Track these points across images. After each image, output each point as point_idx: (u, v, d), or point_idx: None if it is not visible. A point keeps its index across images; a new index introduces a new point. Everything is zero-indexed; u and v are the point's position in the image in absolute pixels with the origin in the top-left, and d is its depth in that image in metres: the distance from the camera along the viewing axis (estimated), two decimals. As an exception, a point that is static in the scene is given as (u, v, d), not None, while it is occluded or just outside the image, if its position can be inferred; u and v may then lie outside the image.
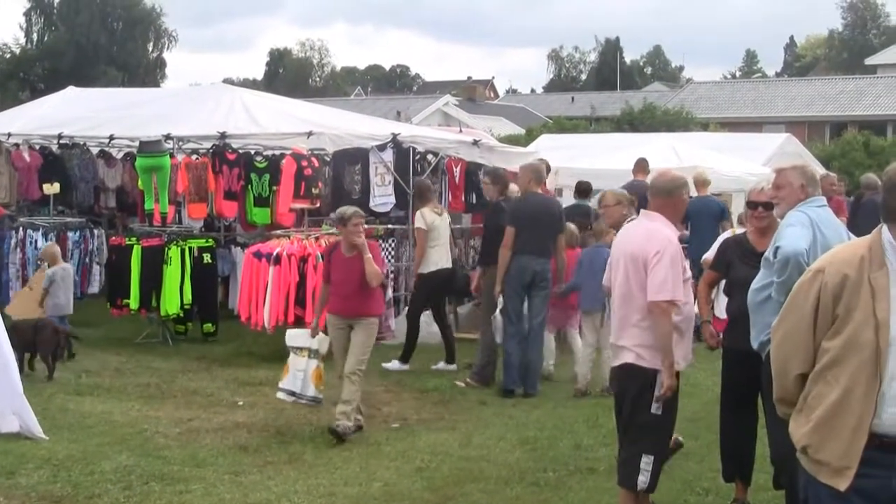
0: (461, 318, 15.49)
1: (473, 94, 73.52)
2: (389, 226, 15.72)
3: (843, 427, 4.14)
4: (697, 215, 16.01)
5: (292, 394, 10.22)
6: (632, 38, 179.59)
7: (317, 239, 13.57)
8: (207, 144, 15.55)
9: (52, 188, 16.15)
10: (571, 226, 13.14)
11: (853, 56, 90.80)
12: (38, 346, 12.00)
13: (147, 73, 74.34)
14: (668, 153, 21.08)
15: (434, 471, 8.84)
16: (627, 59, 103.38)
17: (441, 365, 13.10)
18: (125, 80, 64.95)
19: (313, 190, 14.37)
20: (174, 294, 14.14)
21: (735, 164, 22.17)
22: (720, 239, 9.23)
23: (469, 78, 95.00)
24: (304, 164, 14.41)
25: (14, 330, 11.09)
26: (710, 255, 8.83)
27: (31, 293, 13.90)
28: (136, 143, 15.24)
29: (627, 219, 8.35)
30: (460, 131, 22.47)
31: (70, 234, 15.78)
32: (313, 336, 10.12)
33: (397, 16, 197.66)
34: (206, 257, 14.61)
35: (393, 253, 15.71)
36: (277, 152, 15.26)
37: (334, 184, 15.23)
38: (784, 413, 4.47)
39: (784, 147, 27.62)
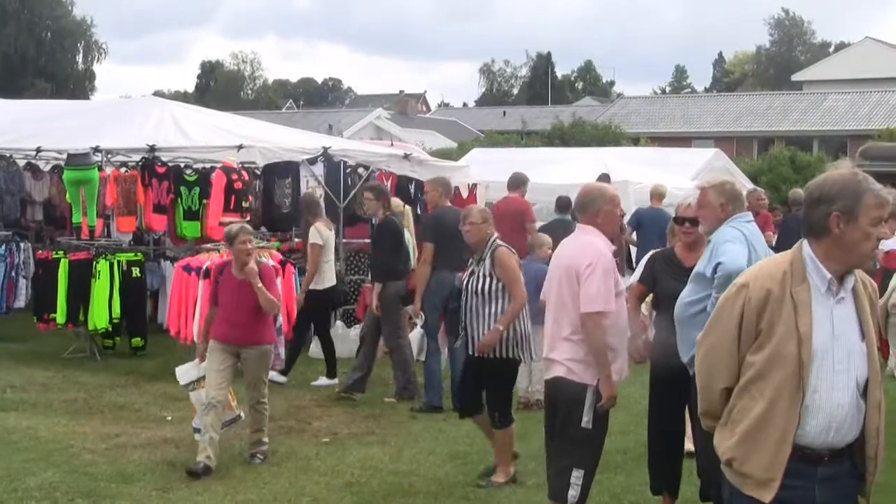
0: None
1: (405, 107, 73.68)
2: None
3: (768, 440, 4.22)
4: (648, 226, 16.27)
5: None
6: (563, 52, 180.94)
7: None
8: (136, 157, 15.42)
9: (-23, 201, 15.91)
10: (544, 236, 13.20)
11: (780, 72, 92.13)
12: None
13: (76, 84, 73.38)
14: (598, 167, 21.20)
15: (364, 486, 8.82)
16: (559, 74, 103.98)
17: (322, 381, 12.89)
18: (54, 92, 64.05)
19: (243, 203, 14.30)
20: (102, 308, 13.99)
21: (664, 178, 22.37)
22: None
23: (401, 91, 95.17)
24: (235, 177, 14.35)
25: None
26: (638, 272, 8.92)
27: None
28: (64, 156, 15.07)
29: (491, 237, 8.74)
30: (391, 145, 22.52)
31: (-5, 247, 15.55)
32: (202, 361, 9.42)
33: (328, 29, 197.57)
34: (135, 271, 14.47)
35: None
36: (207, 165, 15.17)
37: (265, 197, 15.18)
38: (708, 426, 4.53)
39: (712, 162, 27.91)
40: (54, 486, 8.48)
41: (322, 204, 13.86)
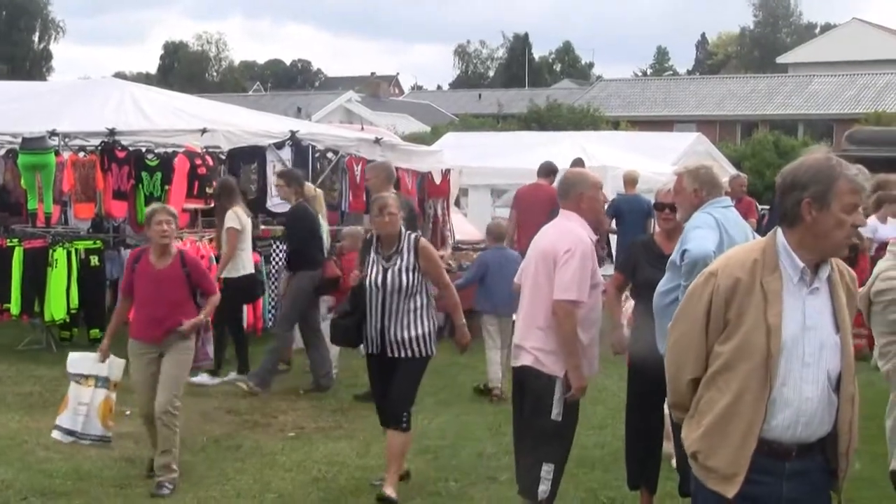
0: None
1: (377, 90, 73.51)
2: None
3: (733, 433, 4.24)
4: (625, 213, 16.33)
5: (70, 433, 8.84)
6: (540, 34, 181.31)
7: (211, 241, 13.44)
8: (95, 141, 15.31)
9: (-72, 186, 15.79)
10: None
11: (765, 54, 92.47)
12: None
13: (33, 65, 73.08)
14: (576, 152, 21.20)
15: (331, 481, 8.81)
16: (536, 56, 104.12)
17: (232, 375, 12.61)
18: (9, 73, 63.71)
19: (207, 189, 14.23)
20: (59, 298, 13.91)
21: (644, 163, 22.43)
22: None
23: (373, 74, 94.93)
24: (198, 162, 14.28)
25: None
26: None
27: None
28: (19, 140, 14.96)
29: (402, 229, 8.56)
30: (362, 129, 22.47)
31: (-53, 235, 15.45)
32: (102, 360, 8.77)
33: (296, 9, 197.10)
34: (94, 260, 14.39)
35: (291, 255, 15.63)
36: (170, 150, 15.08)
37: (229, 183, 15.08)
38: (678, 418, 4.56)
39: (694, 146, 28.04)
40: (7, 485, 8.44)
41: (238, 190, 13.29)
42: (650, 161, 22.94)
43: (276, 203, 14.90)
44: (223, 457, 9.47)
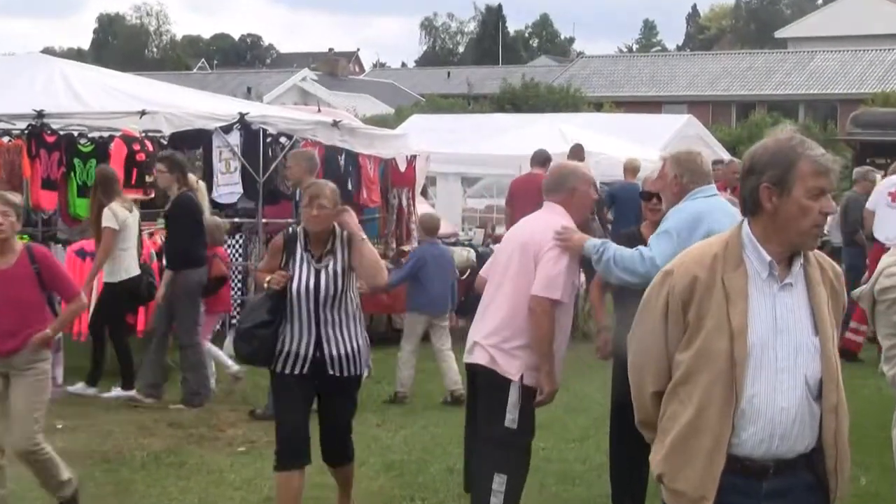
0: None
1: (335, 68, 73.43)
2: (236, 219, 15.61)
3: (698, 451, 4.14)
4: (623, 204, 16.44)
5: None
6: (515, 5, 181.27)
7: (151, 235, 13.41)
8: (22, 125, 15.22)
9: None
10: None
11: (762, 28, 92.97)
12: None
13: (-48, 40, 72.55)
14: (554, 136, 21.29)
15: (286, 501, 8.79)
16: (511, 30, 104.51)
17: (115, 392, 12.37)
18: (-74, 49, 63.30)
19: (147, 178, 14.18)
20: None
21: (630, 148, 22.49)
22: None
23: (330, 50, 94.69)
24: (136, 147, 14.23)
25: None
26: None
27: None
28: (-63, 123, 14.86)
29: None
30: (319, 111, 22.44)
31: None
32: None
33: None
34: (21, 256, 14.29)
35: (241, 251, 15.60)
36: (105, 134, 15.01)
37: (172, 171, 15.03)
38: (649, 438, 4.47)
39: (685, 130, 28.21)
40: None
41: (117, 179, 12.94)
42: (636, 146, 23.04)
43: (224, 193, 14.87)
44: (165, 474, 9.44)
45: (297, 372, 7.53)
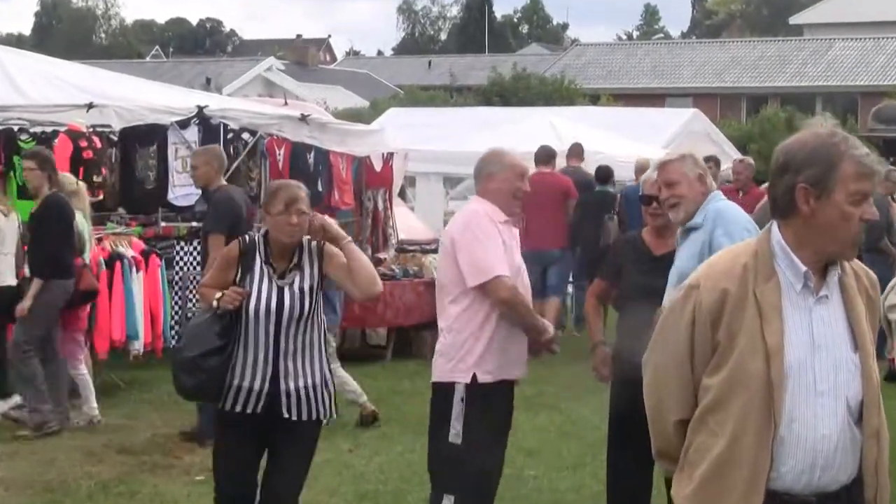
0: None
1: (304, 56, 73.35)
2: (193, 224, 15.58)
3: (733, 486, 4.06)
4: (632, 204, 16.51)
5: None
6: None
7: (100, 241, 13.37)
8: (-45, 119, 15.21)
9: None
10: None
11: (775, 14, 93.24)
12: None
13: None
14: (545, 132, 21.29)
15: (248, 535, 8.77)
16: (498, 15, 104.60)
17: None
18: None
19: (95, 178, 14.15)
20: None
21: (630, 146, 22.55)
22: None
23: (298, 37, 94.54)
24: (83, 144, 14.19)
25: None
26: None
27: None
28: None
29: None
30: (285, 104, 22.42)
31: None
32: None
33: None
34: (-45, 264, 14.26)
35: (199, 259, 15.56)
36: (48, 129, 14.98)
37: (123, 170, 15.01)
38: (667, 470, 4.44)
39: (690, 125, 28.23)
40: None
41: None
42: (636, 143, 23.09)
43: (180, 195, 14.84)
44: (114, 505, 9.43)
45: (248, 411, 6.97)
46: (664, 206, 7.41)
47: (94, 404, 12.04)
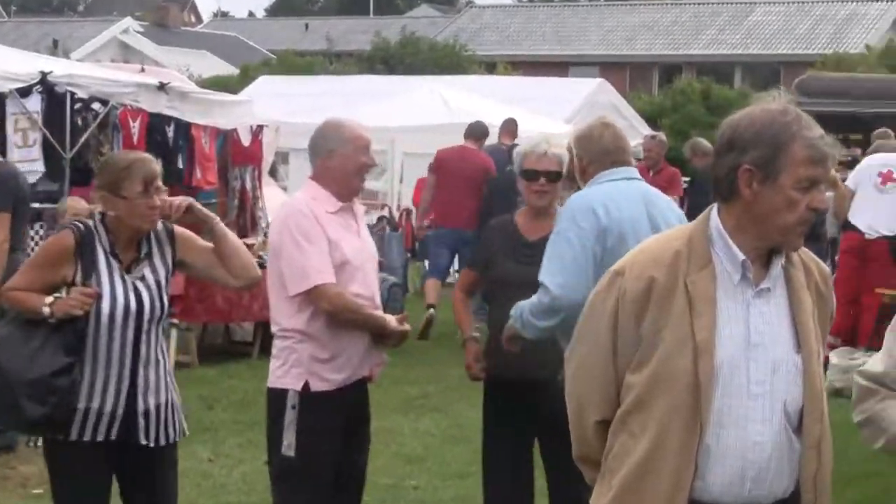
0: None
1: (165, 17, 72.81)
2: (36, 205, 15.40)
3: (653, 495, 4.07)
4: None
5: None
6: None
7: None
8: None
9: None
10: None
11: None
12: None
13: None
14: (435, 104, 21.37)
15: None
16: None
17: None
18: None
19: (-80, 151, 13.99)
20: None
21: (529, 120, 22.59)
22: None
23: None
24: None
25: None
26: None
27: None
28: None
29: None
30: (143, 70, 22.25)
31: None
32: None
33: None
34: None
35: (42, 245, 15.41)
36: None
37: (-47, 144, 14.85)
38: (590, 478, 4.40)
39: (596, 97, 28.48)
40: None
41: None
42: (536, 118, 23.15)
43: (23, 171, 14.66)
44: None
45: (100, 439, 6.33)
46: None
47: None
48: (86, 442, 6.29)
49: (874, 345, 7.64)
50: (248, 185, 17.92)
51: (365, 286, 7.16)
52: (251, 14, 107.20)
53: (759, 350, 4.07)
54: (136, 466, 6.49)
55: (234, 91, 25.32)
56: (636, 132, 24.16)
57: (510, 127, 18.48)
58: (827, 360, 13.39)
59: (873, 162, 14.76)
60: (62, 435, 6.30)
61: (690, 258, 4.10)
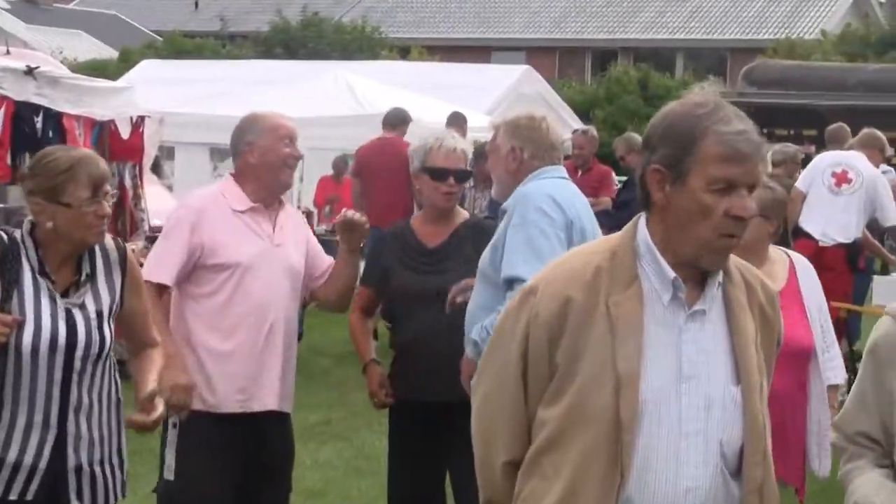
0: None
1: (35, -8, 72.46)
2: None
3: None
4: None
5: None
6: None
7: None
8: None
9: None
10: None
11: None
12: None
13: None
14: (340, 93, 21.34)
15: None
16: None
17: None
18: None
19: None
20: None
21: (446, 111, 22.58)
22: None
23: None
24: None
25: None
26: None
27: None
28: None
29: None
30: (7, 52, 22.08)
31: None
32: None
33: None
34: None
35: None
36: None
37: None
38: None
39: (521, 86, 28.58)
40: None
41: None
42: (454, 107, 23.08)
43: None
44: None
45: (13, 497, 5.83)
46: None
47: None
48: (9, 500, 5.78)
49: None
50: (128, 184, 17.79)
51: (251, 295, 7.10)
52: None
53: (692, 382, 3.96)
54: None
55: (113, 77, 25.20)
56: (566, 125, 24.22)
57: (457, 120, 18.52)
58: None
59: (826, 161, 14.71)
60: None
61: (614, 275, 3.98)
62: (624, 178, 18.88)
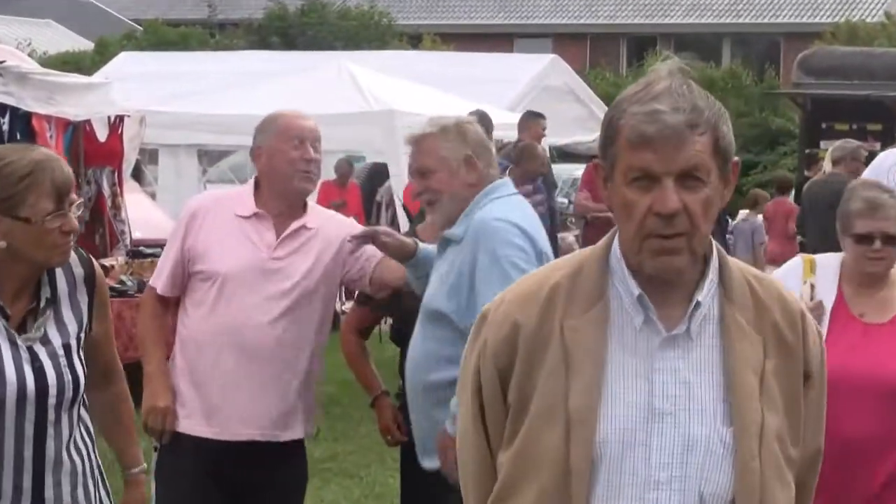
0: None
1: (2, -21, 72.75)
2: None
3: None
4: None
5: None
6: None
7: None
8: None
9: None
10: None
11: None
12: None
13: None
14: (344, 86, 21.35)
15: None
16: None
17: None
18: None
19: None
20: None
21: (462, 107, 22.61)
22: None
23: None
24: None
25: None
26: None
27: None
28: None
29: None
30: (-30, 45, 22.19)
31: None
32: None
33: None
34: None
35: None
36: None
37: None
38: None
39: (547, 78, 28.50)
40: None
41: None
42: (470, 104, 23.09)
43: None
44: None
45: None
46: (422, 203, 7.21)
47: None
48: None
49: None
50: (106, 191, 17.81)
51: (228, 311, 7.07)
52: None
53: (668, 421, 3.66)
54: None
55: (89, 71, 25.23)
56: (598, 121, 24.08)
57: (483, 123, 18.42)
58: None
59: (890, 160, 14.46)
60: None
61: (573, 295, 3.73)
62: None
